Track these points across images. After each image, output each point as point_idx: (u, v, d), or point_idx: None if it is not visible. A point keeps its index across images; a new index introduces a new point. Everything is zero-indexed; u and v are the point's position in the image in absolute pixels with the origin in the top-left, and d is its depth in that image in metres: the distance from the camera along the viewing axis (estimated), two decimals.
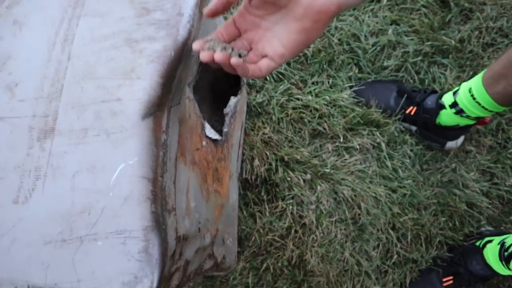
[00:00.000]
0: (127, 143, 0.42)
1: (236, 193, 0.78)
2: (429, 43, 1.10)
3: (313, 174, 0.90)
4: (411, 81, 1.06)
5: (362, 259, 0.88)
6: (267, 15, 0.44)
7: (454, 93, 0.91)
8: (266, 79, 0.99)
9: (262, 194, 0.89)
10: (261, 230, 0.86)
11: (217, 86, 0.77)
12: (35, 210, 0.43)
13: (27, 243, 0.42)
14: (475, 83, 0.85)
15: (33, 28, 0.56)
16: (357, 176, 0.92)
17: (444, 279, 0.90)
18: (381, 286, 0.91)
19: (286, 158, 0.89)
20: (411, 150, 0.97)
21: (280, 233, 0.87)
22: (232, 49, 0.45)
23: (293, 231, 0.87)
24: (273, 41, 0.44)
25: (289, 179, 0.88)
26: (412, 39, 1.10)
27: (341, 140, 0.94)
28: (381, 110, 0.98)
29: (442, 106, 0.93)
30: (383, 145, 0.94)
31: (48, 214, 0.42)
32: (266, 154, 0.89)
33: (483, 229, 0.94)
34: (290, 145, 0.92)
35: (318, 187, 0.88)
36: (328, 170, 0.90)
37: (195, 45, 0.44)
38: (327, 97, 0.96)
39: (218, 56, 0.41)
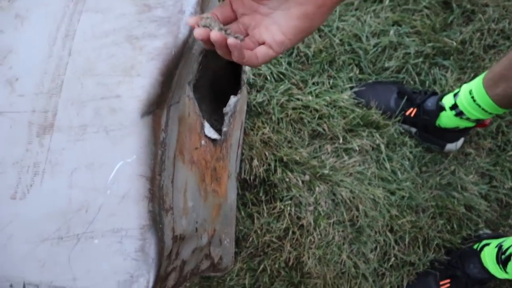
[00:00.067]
0: (126, 140, 0.42)
1: (235, 193, 0.77)
2: (430, 44, 1.10)
3: (311, 175, 0.90)
4: (411, 82, 1.06)
5: (359, 262, 0.87)
6: (268, 1, 0.42)
7: (455, 95, 0.91)
8: (266, 78, 0.99)
9: (261, 194, 0.88)
10: (258, 231, 0.86)
11: (217, 85, 0.77)
12: (33, 206, 0.43)
13: (23, 239, 0.42)
14: (476, 85, 0.85)
15: (35, 22, 0.56)
16: (356, 178, 0.91)
17: (442, 282, 0.90)
18: None
19: (285, 158, 0.89)
20: (411, 152, 0.97)
21: (277, 234, 0.86)
22: (228, 32, 0.41)
23: (290, 232, 0.87)
24: (272, 28, 0.41)
25: (287, 180, 0.88)
26: (413, 40, 1.10)
27: (341, 141, 0.94)
28: (381, 112, 0.98)
29: (442, 108, 0.93)
30: (382, 146, 0.94)
31: (45, 211, 0.42)
32: (265, 154, 0.89)
33: (481, 232, 0.94)
34: (290, 145, 0.92)
35: (317, 189, 0.88)
36: (327, 172, 0.90)
37: (191, 20, 0.40)
38: (328, 97, 0.96)
39: (215, 34, 0.38)
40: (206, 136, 0.57)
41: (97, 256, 0.40)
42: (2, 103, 0.51)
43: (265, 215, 0.87)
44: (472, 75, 1.08)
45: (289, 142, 0.93)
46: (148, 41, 0.48)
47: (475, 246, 0.90)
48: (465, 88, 0.88)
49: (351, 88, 1.01)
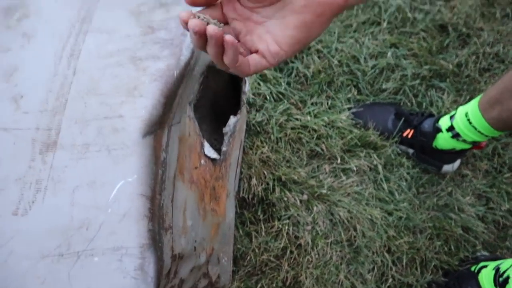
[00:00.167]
0: (128, 160, 0.42)
1: (233, 211, 0.78)
2: (427, 66, 1.12)
3: (309, 194, 0.90)
4: (408, 104, 1.07)
5: (357, 282, 0.87)
6: (260, 8, 0.38)
7: (451, 117, 0.92)
8: (266, 98, 1.00)
9: (259, 213, 0.89)
10: (256, 250, 0.86)
11: (217, 104, 0.78)
12: (34, 223, 0.43)
13: (24, 256, 0.42)
14: (472, 107, 0.86)
15: (41, 41, 0.57)
16: (354, 198, 0.92)
17: None
18: None
19: (283, 178, 0.90)
20: (408, 173, 0.98)
21: (275, 253, 0.86)
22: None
23: (288, 251, 0.87)
24: (266, 37, 0.38)
25: (286, 199, 0.88)
26: (410, 63, 1.12)
27: (339, 161, 0.95)
28: (378, 133, 0.99)
29: (439, 130, 0.94)
30: (380, 167, 0.95)
31: (46, 228, 0.43)
32: (264, 174, 0.89)
33: (478, 254, 0.94)
34: (288, 165, 0.93)
35: (315, 208, 0.89)
36: (324, 191, 0.90)
37: (183, 14, 0.36)
38: (326, 118, 0.97)
39: (212, 28, 0.34)
40: (205, 155, 0.58)
41: (97, 274, 0.41)
42: (6, 119, 0.52)
43: (263, 234, 0.87)
44: (468, 97, 1.10)
45: (287, 161, 0.94)
46: (151, 62, 0.49)
47: (472, 268, 0.90)
48: (461, 110, 0.90)
49: (349, 109, 1.02)
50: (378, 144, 0.98)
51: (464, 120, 0.88)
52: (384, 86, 1.07)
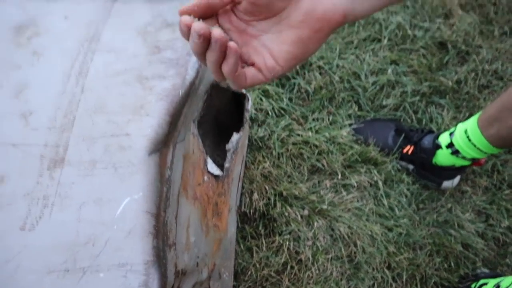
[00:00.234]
0: (134, 178, 0.44)
1: (234, 226, 0.79)
2: (427, 83, 1.13)
3: (310, 210, 0.91)
4: (409, 120, 1.09)
5: None
6: (256, 21, 0.37)
7: (451, 134, 0.93)
8: (268, 113, 1.02)
9: (260, 228, 0.90)
10: (257, 265, 0.87)
11: (220, 120, 0.79)
12: (41, 238, 0.44)
13: (30, 270, 0.43)
14: (471, 125, 0.87)
15: (51, 59, 0.59)
16: (354, 214, 0.93)
17: None
18: None
19: (284, 193, 0.91)
20: (408, 189, 0.99)
21: (276, 268, 0.87)
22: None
23: (289, 267, 0.87)
24: (262, 51, 0.37)
25: (287, 214, 0.89)
26: (410, 79, 1.14)
27: (339, 177, 0.96)
28: (379, 149, 1.01)
29: (439, 146, 0.95)
30: (380, 183, 0.96)
31: (53, 243, 0.44)
32: (265, 189, 0.90)
33: (478, 271, 0.94)
34: (289, 180, 0.94)
35: (315, 223, 0.89)
36: (325, 207, 0.91)
37: (186, 18, 0.34)
38: (327, 134, 0.99)
39: (218, 32, 0.33)
40: (209, 172, 0.59)
41: None
42: (16, 135, 0.53)
43: (264, 249, 0.88)
44: (467, 114, 1.11)
45: (288, 176, 0.95)
46: (158, 81, 0.51)
47: (472, 286, 0.90)
48: (461, 127, 0.91)
49: (350, 125, 1.04)
50: (379, 160, 0.99)
51: (463, 137, 0.89)
52: (384, 103, 1.09)
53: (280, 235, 0.89)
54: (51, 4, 0.66)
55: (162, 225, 0.43)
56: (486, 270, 0.95)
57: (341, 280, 0.88)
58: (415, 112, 1.10)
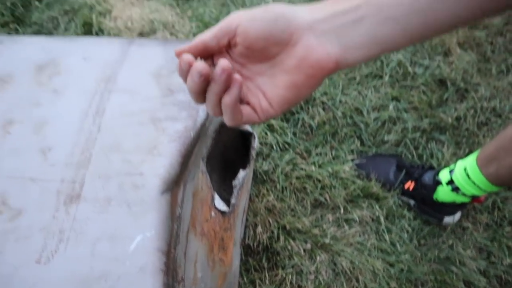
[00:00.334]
0: (146, 216, 0.46)
1: (238, 259, 0.80)
2: (427, 119, 1.17)
3: (313, 243, 0.92)
4: (409, 156, 1.11)
5: None
6: (251, 64, 0.37)
7: (451, 171, 0.95)
8: (272, 147, 1.05)
9: (263, 261, 0.91)
10: None
11: (227, 155, 0.82)
12: (56, 271, 0.46)
13: None
14: (470, 163, 0.90)
15: (70, 98, 0.62)
16: (356, 248, 0.94)
17: None
18: None
19: (288, 226, 0.92)
20: (409, 225, 1.00)
21: None
22: None
23: None
24: (257, 92, 0.37)
25: (290, 247, 0.91)
26: (411, 116, 1.17)
27: (342, 211, 0.98)
28: (380, 184, 1.03)
29: (439, 183, 0.97)
30: (381, 218, 0.97)
31: (67, 277, 0.46)
32: (269, 222, 0.92)
33: None
34: (293, 213, 0.96)
35: (318, 258, 0.90)
36: (328, 241, 0.92)
37: (188, 57, 0.35)
38: (330, 168, 1.01)
39: (225, 63, 0.33)
40: (216, 208, 0.61)
41: None
42: (34, 170, 0.56)
43: (267, 282, 0.89)
44: (467, 150, 1.14)
45: (292, 210, 0.97)
46: (170, 123, 0.54)
47: None
48: (460, 165, 0.93)
49: (352, 160, 1.06)
50: (380, 195, 1.01)
51: (463, 174, 0.91)
52: (386, 138, 1.12)
53: (283, 268, 0.90)
54: (71, 45, 0.70)
55: (172, 261, 0.45)
56: None
57: None
58: (416, 148, 1.12)
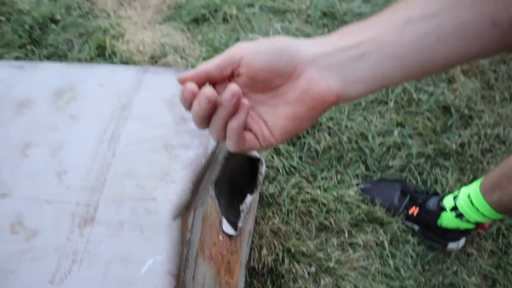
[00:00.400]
0: (158, 240, 0.48)
1: (243, 281, 0.81)
2: (431, 145, 1.18)
3: (317, 267, 0.93)
4: (414, 181, 1.13)
5: None
6: (252, 93, 0.38)
7: (455, 198, 0.96)
8: (278, 170, 1.07)
9: (268, 283, 0.92)
10: None
11: (234, 179, 0.84)
12: None
13: None
14: (474, 190, 0.91)
15: (86, 123, 0.65)
16: (360, 273, 0.95)
17: None
18: None
19: (293, 249, 0.94)
20: (413, 250, 1.01)
21: None
22: None
23: None
24: (259, 121, 0.38)
25: (294, 270, 0.92)
26: (416, 141, 1.19)
27: (346, 235, 0.99)
28: (385, 209, 1.04)
29: (443, 209, 0.98)
30: (386, 243, 0.98)
31: None
32: (274, 244, 0.94)
33: None
34: (298, 236, 0.97)
35: (322, 281, 0.91)
36: (332, 264, 0.93)
37: (192, 86, 0.35)
38: (335, 192, 1.03)
39: (237, 88, 0.33)
40: (223, 232, 0.63)
41: None
42: (50, 192, 0.59)
43: None
44: (471, 176, 1.15)
45: (297, 233, 0.98)
46: (183, 150, 0.56)
47: None
48: (464, 191, 0.94)
49: (357, 184, 1.08)
50: (385, 220, 1.02)
51: (467, 201, 0.92)
52: (390, 163, 1.14)
53: None
54: (88, 72, 0.74)
55: (182, 285, 0.47)
56: None
57: None
58: (420, 174, 1.14)
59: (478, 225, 0.95)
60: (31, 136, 0.65)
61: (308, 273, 0.92)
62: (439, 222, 0.99)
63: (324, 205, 1.01)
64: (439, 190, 1.10)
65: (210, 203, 0.60)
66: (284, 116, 0.37)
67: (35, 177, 0.61)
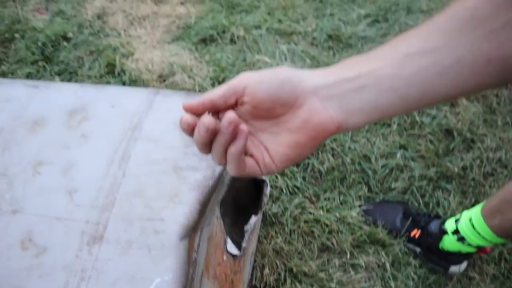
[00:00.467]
0: (165, 260, 0.49)
1: None
2: (434, 168, 1.20)
3: None
4: (416, 203, 1.14)
5: None
6: (254, 120, 0.39)
7: (456, 221, 0.97)
8: (282, 190, 1.08)
9: None
10: None
11: (239, 199, 0.86)
12: None
13: None
14: (475, 214, 0.92)
15: (97, 143, 0.67)
16: None
17: None
18: None
19: (295, 269, 0.94)
20: (415, 272, 1.01)
21: None
22: None
23: None
24: (260, 147, 0.39)
25: None
26: (418, 164, 1.20)
27: (348, 256, 1.00)
28: (387, 230, 1.05)
29: (445, 232, 0.99)
30: (387, 265, 0.99)
31: None
32: (276, 264, 0.94)
33: None
34: (300, 257, 0.98)
35: None
36: (333, 285, 0.94)
37: (188, 118, 0.37)
38: (338, 213, 1.04)
39: (232, 115, 0.34)
40: (228, 252, 0.64)
41: None
42: (61, 210, 0.60)
43: None
44: (473, 199, 1.16)
45: (299, 253, 0.99)
46: (191, 172, 0.58)
47: None
48: (466, 215, 0.95)
49: (360, 205, 1.09)
50: (387, 241, 1.03)
51: (468, 225, 0.93)
52: (393, 185, 1.15)
53: None
54: (100, 93, 0.76)
55: None
56: None
57: None
58: (423, 196, 1.15)
59: (480, 249, 0.96)
60: (43, 154, 0.67)
61: None
62: (441, 245, 1.00)
63: (327, 225, 1.02)
64: (441, 213, 1.11)
65: (215, 223, 0.62)
66: (286, 144, 0.38)
67: (46, 195, 0.62)
